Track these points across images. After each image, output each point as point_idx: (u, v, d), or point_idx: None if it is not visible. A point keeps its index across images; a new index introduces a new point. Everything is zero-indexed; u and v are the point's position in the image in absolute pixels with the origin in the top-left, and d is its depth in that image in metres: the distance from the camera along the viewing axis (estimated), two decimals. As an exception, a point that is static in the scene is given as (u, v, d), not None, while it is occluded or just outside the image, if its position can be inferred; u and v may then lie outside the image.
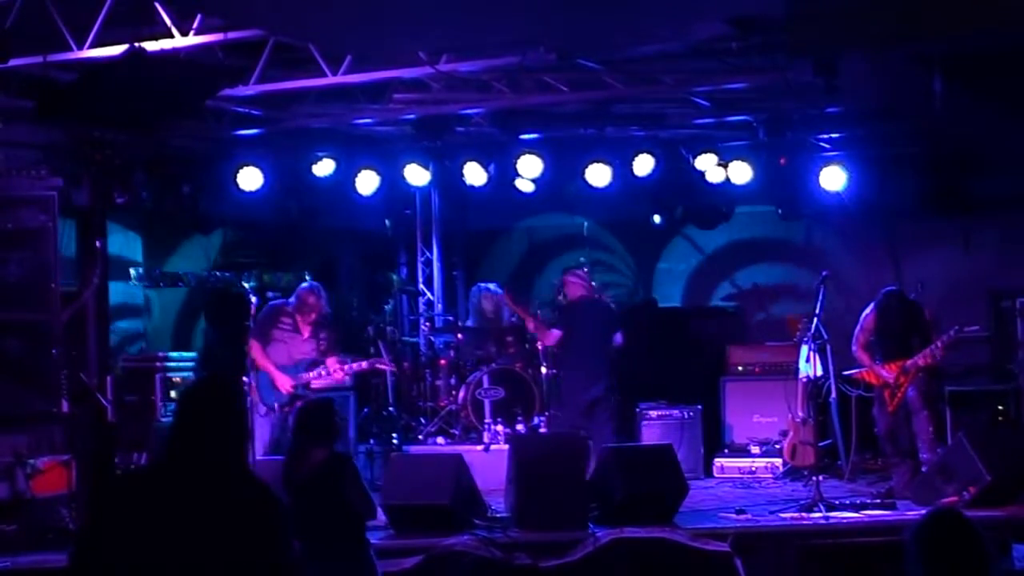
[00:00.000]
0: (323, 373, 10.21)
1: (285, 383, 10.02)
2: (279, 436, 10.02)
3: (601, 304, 11.42)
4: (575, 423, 10.63)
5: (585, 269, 12.15)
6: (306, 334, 10.25)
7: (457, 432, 12.16)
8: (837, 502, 9.36)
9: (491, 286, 13.00)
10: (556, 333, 11.03)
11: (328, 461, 6.88)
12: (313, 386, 10.23)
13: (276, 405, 10.01)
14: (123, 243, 12.62)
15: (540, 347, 11.61)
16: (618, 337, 11.03)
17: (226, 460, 3.99)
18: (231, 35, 8.87)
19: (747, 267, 14.77)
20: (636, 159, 12.13)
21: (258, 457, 9.49)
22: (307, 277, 12.58)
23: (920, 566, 3.81)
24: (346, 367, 10.32)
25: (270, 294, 11.01)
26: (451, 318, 13.91)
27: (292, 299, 10.44)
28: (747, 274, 14.76)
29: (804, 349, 11.11)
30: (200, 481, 3.92)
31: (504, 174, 12.43)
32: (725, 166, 12.24)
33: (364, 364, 10.49)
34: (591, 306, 11.05)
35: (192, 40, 8.75)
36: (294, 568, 4.02)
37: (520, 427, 11.45)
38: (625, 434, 12.11)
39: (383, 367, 11.16)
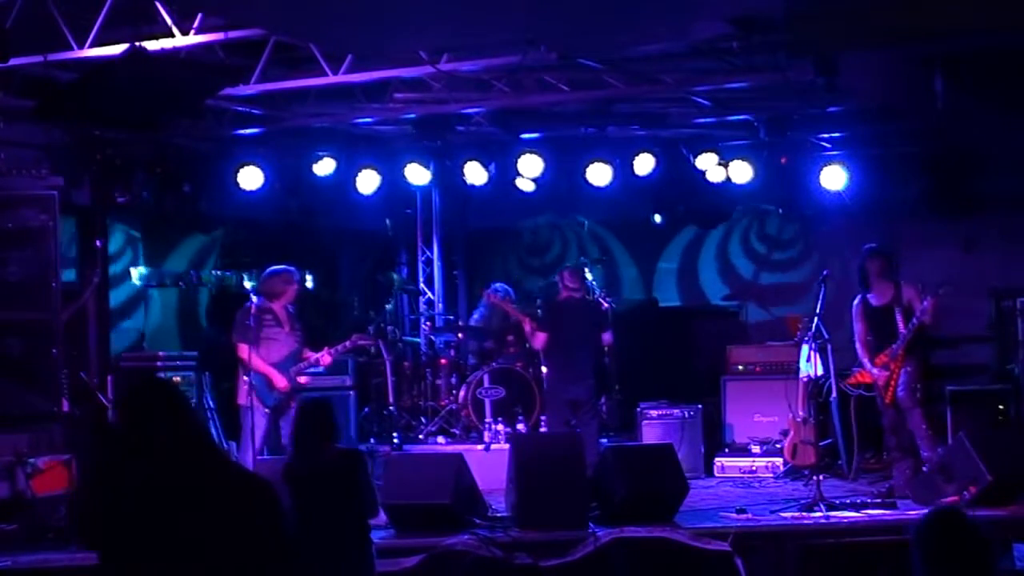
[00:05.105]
0: (312, 362, 10.16)
1: (282, 381, 9.95)
2: (272, 436, 9.99)
3: (590, 304, 11.37)
4: (560, 422, 10.61)
5: (585, 268, 12.14)
6: (287, 327, 10.17)
7: (457, 431, 12.17)
8: (837, 501, 9.35)
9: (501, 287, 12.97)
10: (543, 336, 10.89)
11: (341, 455, 6.90)
12: (302, 381, 10.18)
13: (274, 403, 9.94)
14: (123, 242, 12.62)
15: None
16: (607, 336, 11.01)
17: (208, 451, 4.01)
18: (232, 34, 8.88)
19: (747, 267, 14.77)
20: (637, 158, 12.13)
21: (259, 457, 9.51)
22: (308, 276, 12.56)
23: (924, 566, 3.81)
24: (331, 350, 10.24)
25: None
26: (451, 317, 13.90)
27: (261, 293, 10.26)
28: (747, 273, 14.76)
29: (805, 348, 11.09)
30: (190, 474, 3.94)
31: (505, 173, 12.43)
32: (726, 165, 12.24)
33: (348, 344, 10.41)
34: (577, 306, 10.95)
35: (193, 39, 8.75)
36: (288, 551, 4.04)
37: (521, 426, 11.46)
38: (626, 433, 12.13)
39: (364, 343, 11.10)
